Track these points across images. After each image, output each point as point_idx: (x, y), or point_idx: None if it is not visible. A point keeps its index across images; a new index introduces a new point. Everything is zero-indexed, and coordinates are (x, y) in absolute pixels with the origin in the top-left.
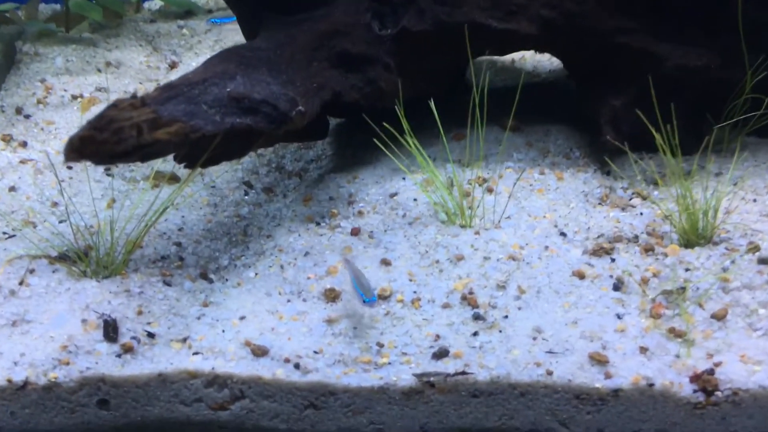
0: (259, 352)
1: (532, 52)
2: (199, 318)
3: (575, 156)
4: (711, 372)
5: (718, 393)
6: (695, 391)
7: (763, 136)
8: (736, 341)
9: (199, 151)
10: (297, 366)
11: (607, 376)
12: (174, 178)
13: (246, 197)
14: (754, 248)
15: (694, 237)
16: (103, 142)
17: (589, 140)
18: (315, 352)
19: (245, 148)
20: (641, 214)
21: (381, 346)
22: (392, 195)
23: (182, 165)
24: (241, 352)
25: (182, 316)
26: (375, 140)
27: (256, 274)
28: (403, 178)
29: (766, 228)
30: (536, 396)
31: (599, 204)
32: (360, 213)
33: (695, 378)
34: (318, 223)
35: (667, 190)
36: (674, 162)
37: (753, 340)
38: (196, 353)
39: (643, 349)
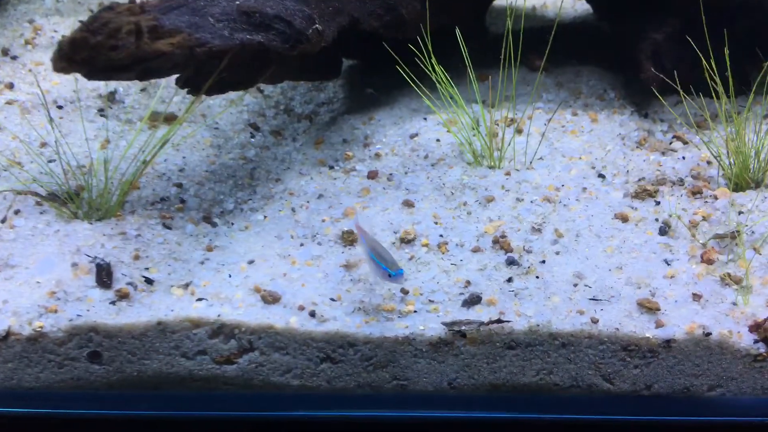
0: (271, 298)
1: (553, 0)
2: (202, 263)
3: (610, 97)
4: None
5: None
6: (756, 342)
7: None
8: None
9: (203, 77)
10: (312, 314)
11: (659, 324)
12: (172, 119)
13: (252, 140)
14: None
15: (745, 180)
16: (97, 47)
17: (624, 81)
18: (332, 300)
19: (255, 74)
20: (683, 158)
21: (405, 293)
22: (412, 136)
23: (185, 90)
24: (250, 298)
25: (184, 261)
26: (398, 69)
27: (265, 217)
28: (425, 119)
29: None
30: (579, 347)
31: (637, 147)
32: (377, 155)
33: (755, 327)
34: (331, 167)
35: (710, 134)
36: (722, 102)
37: None
38: (200, 299)
39: (697, 297)
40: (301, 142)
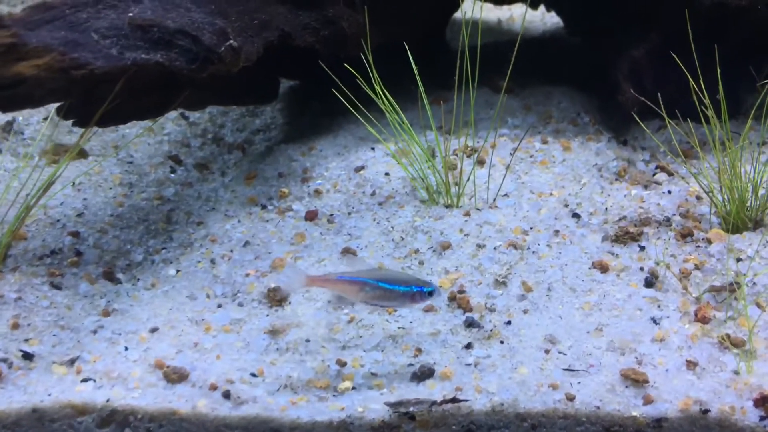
0: (175, 376)
1: (520, 12)
2: (95, 331)
3: (584, 122)
4: None
5: None
6: (762, 419)
7: None
8: None
9: (96, 104)
10: (227, 395)
11: (647, 400)
12: (81, 155)
13: (172, 175)
14: None
15: (742, 219)
16: None
17: (599, 103)
18: (253, 375)
19: (164, 101)
20: (669, 192)
21: (342, 364)
22: (358, 169)
23: (71, 122)
24: (149, 377)
25: (73, 330)
26: (335, 92)
27: (178, 271)
28: (372, 148)
29: None
30: (552, 430)
31: (616, 180)
32: (317, 192)
33: (761, 401)
34: (264, 207)
35: (700, 164)
36: (714, 128)
37: None
38: (85, 380)
39: (691, 364)
40: (231, 176)
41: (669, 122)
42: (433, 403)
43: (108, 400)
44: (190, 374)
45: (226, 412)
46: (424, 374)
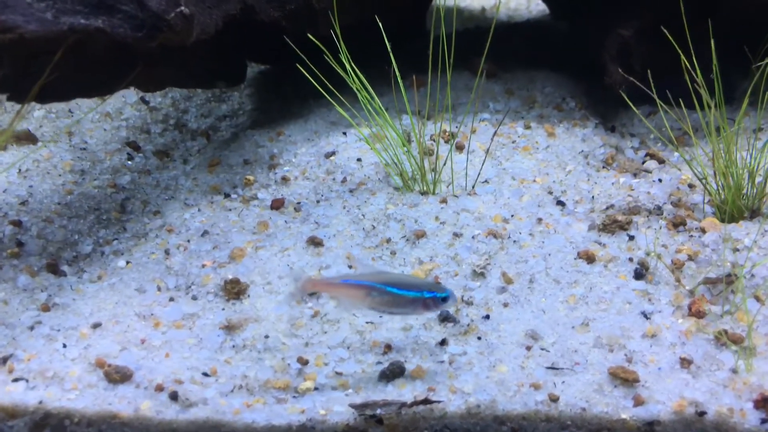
0: (117, 376)
1: (505, 0)
2: (32, 327)
3: (569, 107)
4: None
5: None
6: (763, 422)
7: None
8: None
9: (34, 77)
10: (174, 396)
11: (638, 401)
12: (26, 138)
13: (129, 162)
14: None
15: (738, 208)
16: None
17: (586, 88)
18: (205, 375)
19: (113, 78)
20: (659, 180)
21: (304, 363)
22: (328, 155)
23: (6, 96)
24: (88, 377)
25: (8, 326)
26: (305, 73)
27: (128, 262)
28: (344, 133)
29: None
30: None
31: (604, 168)
32: (284, 179)
33: (762, 402)
34: (227, 195)
35: (693, 151)
36: (710, 113)
37: None
38: (17, 380)
39: (686, 362)
40: (193, 164)
41: (661, 105)
42: (403, 404)
43: (41, 402)
44: (134, 374)
45: (172, 416)
46: (393, 373)
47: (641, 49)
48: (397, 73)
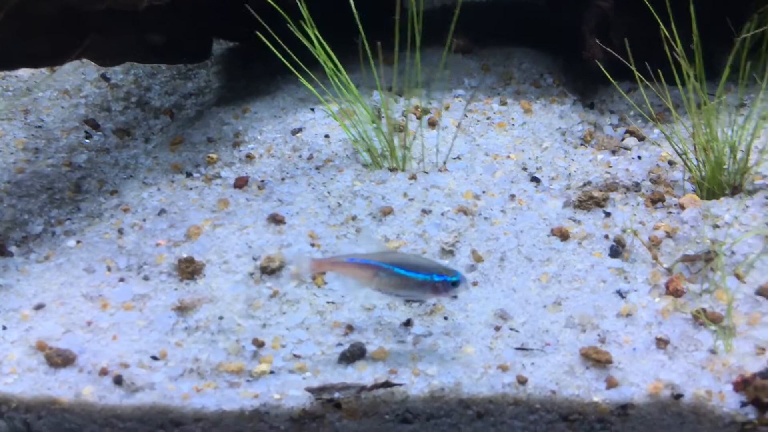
0: (59, 359)
1: None
2: None
3: (547, 83)
4: (766, 374)
5: None
6: (743, 405)
7: None
8: None
9: None
10: (118, 381)
11: (611, 384)
12: None
13: (87, 141)
14: None
15: (718, 184)
16: None
17: (564, 64)
18: (154, 358)
19: (62, 47)
20: (639, 158)
21: (260, 345)
22: (295, 131)
23: None
24: (28, 360)
25: None
26: (272, 47)
27: (79, 242)
28: (312, 109)
29: None
30: (501, 418)
31: (582, 145)
32: (249, 157)
33: (742, 384)
34: (189, 174)
35: (674, 127)
36: (690, 87)
37: None
38: None
39: (662, 342)
40: (155, 142)
41: (640, 79)
42: (363, 388)
43: None
44: (77, 357)
45: (116, 401)
46: (353, 355)
47: (621, 21)
48: (367, 46)
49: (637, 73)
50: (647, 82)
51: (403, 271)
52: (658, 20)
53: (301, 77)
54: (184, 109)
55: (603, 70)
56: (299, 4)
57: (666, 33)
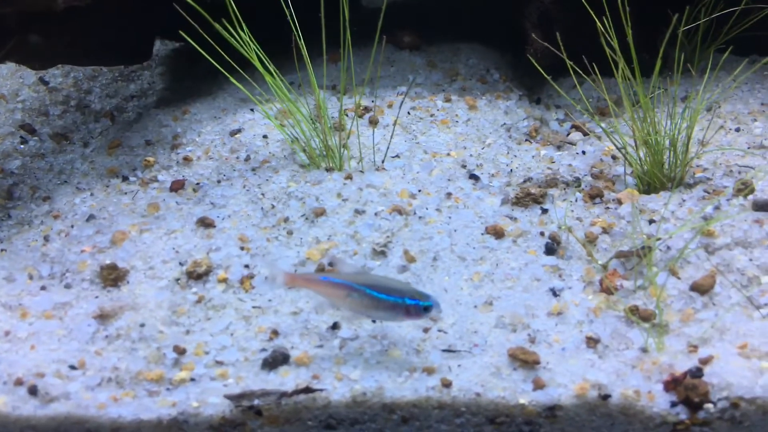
0: None
1: None
2: None
3: (494, 79)
4: (697, 373)
5: (709, 406)
6: (674, 405)
7: (743, 53)
8: (732, 325)
9: None
10: (33, 391)
11: (538, 385)
12: None
13: (22, 146)
14: (746, 190)
15: (658, 178)
16: None
17: (512, 60)
18: (72, 368)
19: None
20: (583, 153)
21: (181, 352)
22: (234, 133)
23: None
24: None
25: None
26: (197, 48)
27: (3, 250)
28: (252, 110)
29: (758, 164)
30: (427, 422)
31: (526, 141)
32: (186, 160)
33: (673, 383)
34: (125, 178)
35: (616, 122)
36: (632, 80)
37: (756, 323)
38: None
39: (592, 341)
40: (94, 146)
41: (576, 73)
42: (283, 394)
43: None
44: None
45: (30, 411)
46: (276, 361)
47: (563, 16)
48: (302, 46)
49: (572, 68)
50: (594, 77)
51: (376, 293)
52: (594, 17)
53: (231, 78)
54: (126, 112)
55: (536, 65)
56: (228, 2)
57: (602, 28)
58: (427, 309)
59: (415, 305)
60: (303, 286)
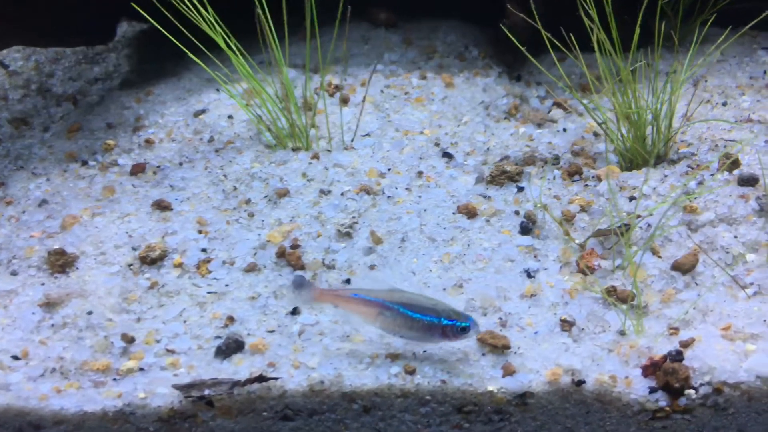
0: None
1: None
2: None
3: (472, 56)
4: (677, 357)
5: (691, 391)
6: (652, 391)
7: (728, 25)
8: (715, 305)
9: None
10: None
11: (508, 371)
12: None
13: None
14: (731, 164)
15: (640, 155)
16: None
17: (493, 36)
18: (15, 358)
19: None
20: (564, 130)
21: (130, 341)
22: (198, 113)
23: None
24: None
25: None
26: (159, 28)
27: None
28: (217, 90)
29: (744, 137)
30: (390, 412)
31: (505, 118)
32: (148, 142)
33: (651, 368)
34: (84, 162)
35: (600, 99)
36: (607, 58)
37: (740, 303)
38: None
39: (567, 324)
40: (54, 131)
41: (552, 47)
42: (235, 383)
43: None
44: None
45: None
46: (230, 348)
47: None
48: (266, 22)
49: (551, 41)
50: (576, 53)
51: (410, 312)
52: None
53: (195, 58)
54: (89, 95)
55: (512, 38)
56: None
57: (582, 3)
58: (464, 330)
59: (452, 326)
60: (332, 303)
